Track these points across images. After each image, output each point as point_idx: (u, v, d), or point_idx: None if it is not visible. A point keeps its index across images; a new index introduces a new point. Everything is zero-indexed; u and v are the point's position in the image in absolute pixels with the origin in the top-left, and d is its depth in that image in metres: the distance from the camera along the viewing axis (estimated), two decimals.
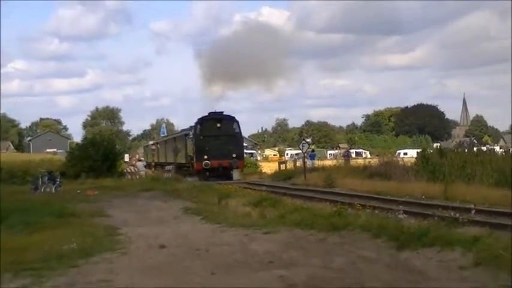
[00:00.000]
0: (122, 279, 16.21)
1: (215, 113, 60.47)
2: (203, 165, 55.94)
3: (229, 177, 54.52)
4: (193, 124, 63.12)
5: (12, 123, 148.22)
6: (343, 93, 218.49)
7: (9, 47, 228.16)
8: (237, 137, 60.57)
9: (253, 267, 17.36)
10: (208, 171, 55.65)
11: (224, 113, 61.24)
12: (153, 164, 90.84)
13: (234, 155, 57.80)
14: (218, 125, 58.63)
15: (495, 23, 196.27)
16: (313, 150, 78.77)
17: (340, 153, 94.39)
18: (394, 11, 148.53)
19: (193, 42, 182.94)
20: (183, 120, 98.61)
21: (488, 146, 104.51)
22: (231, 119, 60.90)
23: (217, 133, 58.04)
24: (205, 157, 56.26)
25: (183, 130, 73.82)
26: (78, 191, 49.97)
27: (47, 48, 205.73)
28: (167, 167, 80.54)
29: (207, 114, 60.97)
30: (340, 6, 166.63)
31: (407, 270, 16.00)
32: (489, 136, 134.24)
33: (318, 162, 69.28)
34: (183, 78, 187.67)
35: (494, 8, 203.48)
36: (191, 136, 61.25)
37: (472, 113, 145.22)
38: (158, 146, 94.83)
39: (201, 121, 59.63)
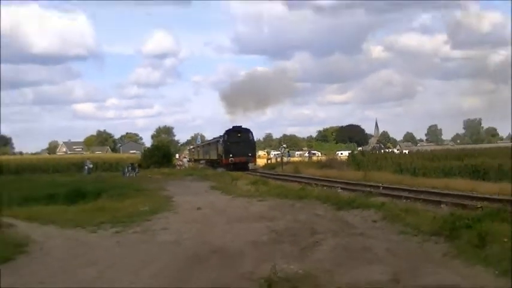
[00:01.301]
0: (175, 227, 19.81)
1: (237, 126, 70.59)
2: (229, 161, 65.17)
3: (246, 169, 62.29)
4: (221, 134, 71.54)
5: (110, 136, 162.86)
6: (305, 118, 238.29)
7: (107, 90, 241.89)
8: (252, 142, 70.42)
9: (251, 220, 20.83)
10: (232, 165, 63.45)
11: (242, 126, 71.01)
12: (193, 160, 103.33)
13: (249, 154, 67.97)
14: (239, 134, 68.17)
15: (396, 76, 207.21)
16: (288, 152, 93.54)
17: (303, 154, 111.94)
18: (336, 67, 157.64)
19: (217, 87, 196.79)
20: (211, 134, 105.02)
21: (390, 149, 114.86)
22: (248, 131, 70.15)
23: (238, 140, 67.15)
24: (231, 155, 65.64)
25: (214, 138, 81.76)
26: (149, 176, 58.42)
27: (131, 92, 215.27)
28: (201, 162, 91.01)
29: (231, 127, 70.69)
30: (304, 65, 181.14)
31: (342, 222, 19.26)
32: (391, 143, 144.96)
33: (291, 159, 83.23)
34: (210, 108, 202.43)
35: (396, 67, 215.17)
36: (221, 142, 69.40)
37: (381, 129, 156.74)
38: (198, 149, 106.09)
39: (228, 132, 68.78)
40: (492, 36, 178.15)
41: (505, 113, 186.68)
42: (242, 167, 62.27)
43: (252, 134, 70.53)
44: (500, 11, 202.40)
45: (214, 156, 75.43)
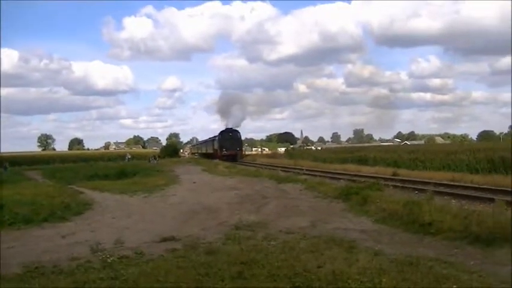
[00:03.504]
0: (180, 194, 19.60)
1: (229, 128, 61.61)
2: (223, 153, 55.95)
3: (236, 160, 53.51)
4: (215, 134, 63.01)
5: (141, 138, 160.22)
6: (259, 128, 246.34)
7: (140, 111, 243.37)
8: (239, 140, 60.87)
9: (226, 189, 20.49)
10: (225, 157, 54.34)
11: (233, 128, 61.97)
12: (191, 153, 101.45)
13: (238, 148, 58.59)
14: (230, 134, 59.22)
15: (313, 103, 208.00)
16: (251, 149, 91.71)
17: (258, 150, 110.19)
18: (277, 97, 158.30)
19: (206, 109, 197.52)
20: (201, 137, 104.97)
21: (309, 147, 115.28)
22: (236, 131, 60.84)
23: (230, 138, 58.14)
24: (224, 149, 56.81)
25: (210, 138, 71.55)
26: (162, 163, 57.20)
27: (154, 112, 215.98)
28: (196, 155, 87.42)
29: (224, 128, 61.91)
30: (258, 96, 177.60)
31: (281, 190, 18.89)
32: (310, 143, 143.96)
33: (251, 153, 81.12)
34: (201, 122, 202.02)
35: (313, 97, 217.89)
36: (216, 139, 60.39)
37: (304, 135, 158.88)
38: (197, 145, 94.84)
39: (222, 132, 59.96)
40: (370, 80, 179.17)
41: (378, 126, 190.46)
42: (232, 158, 54.59)
43: (239, 133, 61.76)
44: (375, 64, 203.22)
45: (210, 151, 67.10)
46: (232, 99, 78.40)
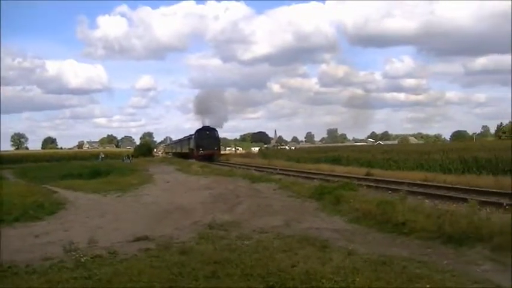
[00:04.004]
0: (153, 193, 19.42)
1: (206, 126, 57.18)
2: (199, 153, 52.19)
3: (213, 160, 50.18)
4: (191, 133, 59.62)
5: (115, 138, 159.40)
6: (233, 127, 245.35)
7: (114, 110, 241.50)
8: (217, 139, 56.49)
9: (200, 189, 20.37)
10: (202, 157, 50.75)
11: (210, 126, 57.51)
12: (165, 152, 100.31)
13: (215, 148, 54.65)
14: (207, 132, 55.37)
15: (287, 103, 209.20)
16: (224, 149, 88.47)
17: (232, 149, 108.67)
18: (252, 97, 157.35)
19: (179, 108, 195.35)
20: (175, 136, 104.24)
21: (283, 146, 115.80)
22: (214, 129, 56.66)
23: (207, 136, 54.45)
24: (201, 149, 52.90)
25: (185, 137, 68.42)
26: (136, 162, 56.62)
27: (128, 111, 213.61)
28: (169, 154, 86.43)
29: (201, 126, 57.53)
30: (233, 95, 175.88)
31: (255, 190, 18.72)
32: (284, 143, 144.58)
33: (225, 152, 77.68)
34: (175, 121, 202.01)
35: (287, 97, 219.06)
36: (193, 138, 56.75)
37: (278, 134, 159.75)
38: (172, 145, 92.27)
39: (199, 131, 55.87)
40: (344, 80, 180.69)
41: (351, 126, 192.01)
42: (210, 158, 51.07)
43: (217, 132, 57.37)
44: (349, 64, 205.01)
45: (186, 150, 62.86)
46: (212, 96, 75.25)
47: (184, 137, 69.34)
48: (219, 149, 57.97)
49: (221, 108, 72.29)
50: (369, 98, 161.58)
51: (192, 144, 58.12)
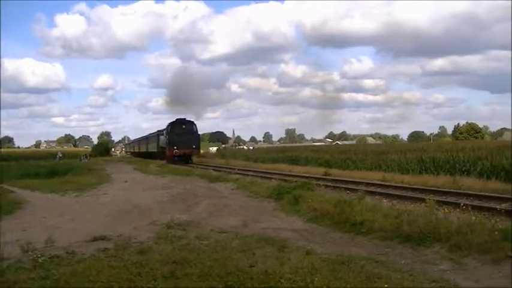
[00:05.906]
0: (111, 193, 19.12)
1: (181, 118, 45.44)
2: (173, 153, 42.20)
3: (190, 161, 42.99)
4: (160, 129, 50.38)
5: (72, 137, 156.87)
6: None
7: (72, 109, 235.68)
8: (196, 135, 44.97)
9: (157, 188, 20.28)
10: (176, 157, 41.95)
11: (186, 119, 45.82)
12: (124, 151, 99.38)
13: (193, 146, 43.68)
14: (183, 126, 44.14)
15: (245, 103, 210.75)
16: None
17: None
18: (210, 97, 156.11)
19: (138, 108, 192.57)
20: (133, 136, 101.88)
21: (241, 146, 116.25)
22: (192, 123, 45.25)
23: (182, 132, 43.40)
24: (175, 147, 42.34)
25: (151, 133, 58.52)
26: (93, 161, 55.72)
27: (86, 110, 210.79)
28: (128, 153, 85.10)
29: (175, 119, 45.61)
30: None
31: (213, 189, 18.93)
32: (242, 143, 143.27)
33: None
34: (133, 121, 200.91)
35: (246, 97, 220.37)
36: (165, 134, 45.71)
37: (236, 134, 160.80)
38: (133, 144, 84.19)
39: (172, 124, 44.49)
40: (303, 80, 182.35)
41: (309, 125, 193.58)
42: (186, 159, 42.86)
43: (195, 126, 45.55)
44: (308, 64, 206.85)
45: (153, 149, 53.11)
46: (187, 81, 68.88)
47: (151, 133, 59.30)
48: (199, 148, 46.33)
49: (200, 97, 65.95)
50: (326, 98, 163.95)
51: (162, 142, 47.26)
